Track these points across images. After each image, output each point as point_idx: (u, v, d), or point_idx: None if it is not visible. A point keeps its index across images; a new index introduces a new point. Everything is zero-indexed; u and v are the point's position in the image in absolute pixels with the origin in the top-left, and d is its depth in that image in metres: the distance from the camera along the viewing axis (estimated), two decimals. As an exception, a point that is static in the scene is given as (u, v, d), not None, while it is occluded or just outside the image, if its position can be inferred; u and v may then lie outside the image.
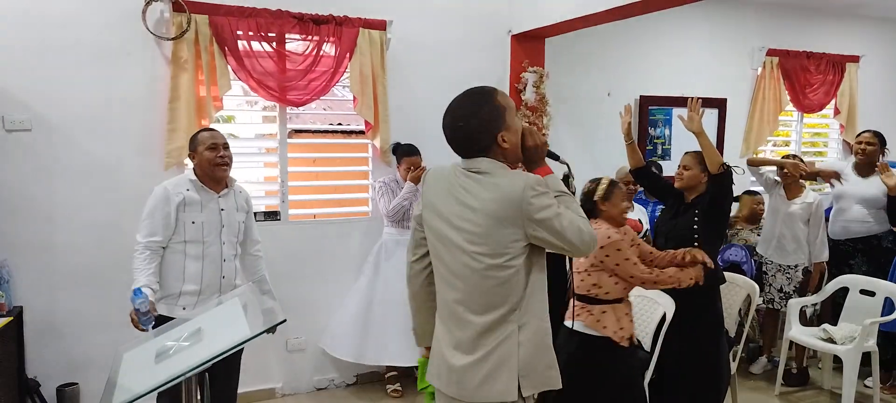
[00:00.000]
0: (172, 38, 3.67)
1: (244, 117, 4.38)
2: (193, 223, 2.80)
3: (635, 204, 4.36)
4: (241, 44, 3.83)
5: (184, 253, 2.81)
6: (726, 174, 3.24)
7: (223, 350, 1.68)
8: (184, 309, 2.76)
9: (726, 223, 3.84)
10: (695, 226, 3.25)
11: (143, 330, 2.56)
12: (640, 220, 4.22)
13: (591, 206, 2.91)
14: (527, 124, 1.95)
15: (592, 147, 5.14)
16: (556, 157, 2.11)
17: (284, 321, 1.88)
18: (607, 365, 2.85)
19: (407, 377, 4.29)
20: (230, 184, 2.94)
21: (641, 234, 4.18)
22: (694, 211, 3.29)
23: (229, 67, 3.81)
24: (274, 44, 3.91)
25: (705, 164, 3.32)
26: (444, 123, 1.91)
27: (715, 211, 3.30)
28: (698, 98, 3.44)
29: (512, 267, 1.81)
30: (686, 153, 3.41)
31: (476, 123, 1.84)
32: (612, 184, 2.94)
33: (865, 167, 4.40)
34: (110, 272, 3.68)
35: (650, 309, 3.50)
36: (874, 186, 4.30)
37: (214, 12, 3.73)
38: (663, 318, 3.29)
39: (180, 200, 2.83)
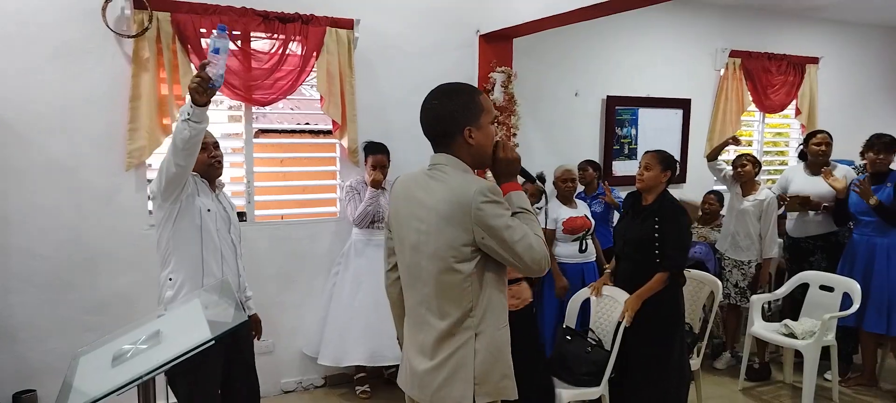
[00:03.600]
0: (133, 36, 3.59)
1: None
2: (209, 211, 2.67)
3: (578, 201, 4.40)
4: (205, 42, 3.77)
5: (201, 244, 2.62)
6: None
7: (181, 353, 1.64)
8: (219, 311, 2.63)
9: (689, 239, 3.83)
10: (656, 235, 3.28)
11: (206, 83, 2.24)
12: (586, 216, 4.26)
13: None
14: (503, 138, 1.96)
15: (560, 146, 5.18)
16: (530, 178, 2.11)
17: (245, 321, 1.85)
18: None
19: (377, 378, 4.26)
20: (220, 185, 2.87)
21: (589, 231, 4.24)
22: (654, 220, 3.31)
23: (192, 66, 3.74)
24: (239, 42, 3.86)
25: (666, 164, 3.36)
26: (423, 101, 1.91)
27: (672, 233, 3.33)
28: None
29: (460, 271, 1.80)
30: (646, 152, 3.43)
31: (449, 107, 1.85)
32: None
33: (813, 165, 4.51)
34: (69, 275, 3.60)
35: (611, 308, 3.53)
36: (825, 184, 4.40)
37: (177, 10, 3.66)
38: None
39: (194, 181, 2.68)
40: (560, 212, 4.25)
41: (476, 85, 4.62)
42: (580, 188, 4.74)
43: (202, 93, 2.27)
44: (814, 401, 3.94)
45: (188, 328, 1.75)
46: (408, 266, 1.94)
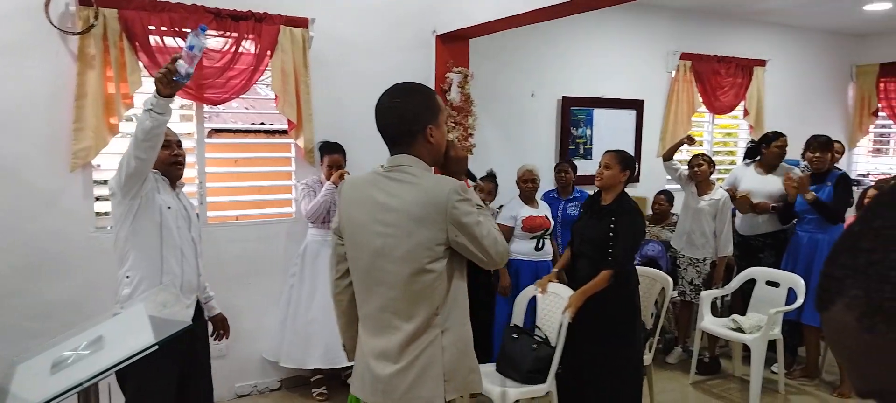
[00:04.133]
0: (78, 33, 3.48)
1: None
2: (169, 208, 2.60)
3: (541, 202, 4.45)
4: (154, 39, 3.68)
5: (160, 241, 2.54)
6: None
7: (123, 359, 1.60)
8: (165, 307, 2.54)
9: (640, 240, 3.90)
10: (610, 233, 3.33)
11: (172, 75, 2.20)
12: (546, 216, 4.31)
13: None
14: (452, 138, 2.00)
15: (517, 146, 5.23)
16: (473, 177, 2.16)
17: (203, 323, 1.81)
18: None
19: (333, 379, 4.23)
20: (180, 184, 2.80)
21: (548, 231, 4.28)
22: (611, 219, 3.36)
23: (141, 64, 3.65)
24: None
25: (625, 164, 3.41)
26: (379, 102, 1.89)
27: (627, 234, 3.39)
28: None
29: (432, 271, 1.80)
30: (606, 152, 3.49)
31: (411, 106, 1.86)
32: None
33: (769, 166, 4.65)
34: (9, 280, 3.47)
35: (557, 304, 3.57)
36: (777, 184, 4.55)
37: (124, 6, 3.57)
38: None
39: (154, 178, 2.59)
40: (520, 211, 4.29)
41: (433, 85, 4.64)
42: (549, 187, 4.81)
43: (167, 84, 2.23)
44: (761, 393, 4.07)
45: (132, 332, 1.70)
46: (366, 271, 1.90)
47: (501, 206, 4.51)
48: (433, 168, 1.95)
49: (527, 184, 4.33)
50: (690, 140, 4.96)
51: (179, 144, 2.73)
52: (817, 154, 4.30)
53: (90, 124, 3.54)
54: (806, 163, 4.57)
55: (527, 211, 4.28)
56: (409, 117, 1.85)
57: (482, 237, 1.80)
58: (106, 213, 3.86)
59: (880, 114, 7.17)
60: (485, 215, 1.87)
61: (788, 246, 4.48)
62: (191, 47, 2.20)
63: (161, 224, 2.54)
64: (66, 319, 3.53)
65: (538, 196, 4.48)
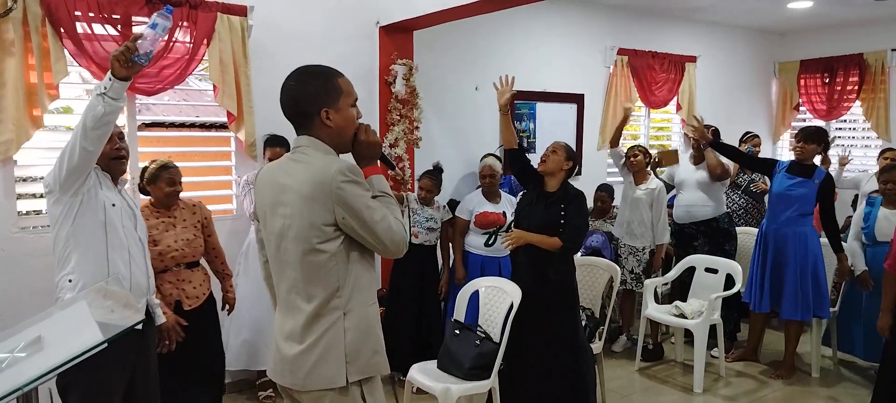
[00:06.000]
0: (-6, 17, 3.22)
1: (83, 108, 3.93)
2: (114, 205, 2.41)
3: (503, 194, 4.44)
4: (80, 26, 3.45)
5: (105, 241, 2.36)
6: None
7: (67, 360, 1.46)
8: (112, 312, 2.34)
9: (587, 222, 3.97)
10: (561, 220, 3.36)
11: (133, 57, 2.05)
12: (504, 213, 4.30)
13: (141, 186, 3.14)
14: (365, 122, 1.95)
15: (462, 140, 5.21)
16: (390, 165, 2.15)
17: (141, 322, 1.68)
18: None
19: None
20: (123, 181, 2.60)
21: (502, 228, 4.27)
22: (560, 206, 3.39)
23: (66, 51, 3.41)
24: (119, 27, 3.56)
25: (569, 154, 3.45)
26: (281, 86, 1.90)
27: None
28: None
29: (324, 251, 1.80)
30: (555, 142, 3.52)
31: (305, 90, 1.85)
32: (162, 167, 3.09)
33: (699, 156, 4.79)
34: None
35: (498, 299, 3.57)
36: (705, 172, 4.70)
37: (47, -11, 3.32)
38: (511, 308, 3.36)
39: (95, 174, 2.40)
40: (476, 205, 4.28)
41: (377, 76, 4.56)
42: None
43: (124, 64, 2.06)
44: (704, 375, 4.19)
45: (75, 331, 1.56)
46: (274, 253, 1.92)
47: (451, 200, 4.47)
48: (339, 153, 1.92)
49: (485, 180, 4.32)
50: (627, 113, 4.85)
51: (121, 137, 2.55)
52: (800, 143, 4.22)
53: (11, 116, 3.29)
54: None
55: (482, 206, 4.26)
56: (301, 100, 1.85)
57: (373, 222, 1.79)
58: (29, 213, 3.60)
59: (801, 108, 7.55)
60: (385, 202, 1.87)
61: (760, 238, 4.42)
62: (153, 26, 2.05)
63: (105, 222, 2.37)
64: (-14, 326, 3.27)
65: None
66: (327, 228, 1.79)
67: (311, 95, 1.84)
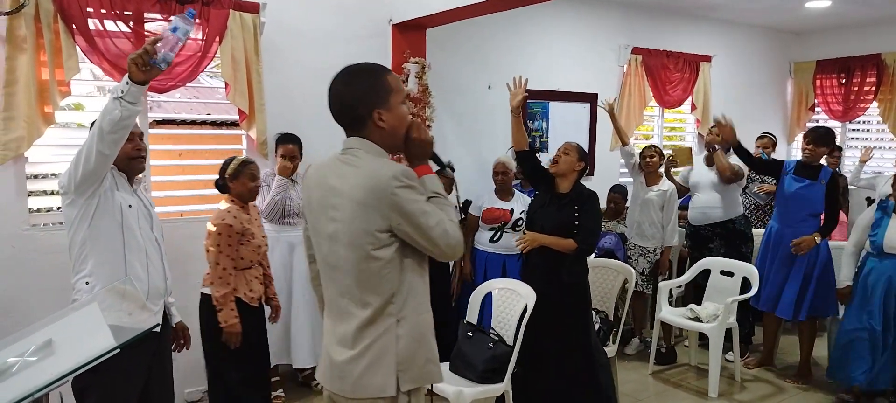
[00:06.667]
0: (6, 13, 3.20)
1: (95, 105, 3.94)
2: (130, 206, 2.37)
3: (516, 192, 4.41)
4: (92, 22, 3.42)
5: (123, 244, 2.33)
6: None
7: (79, 365, 1.43)
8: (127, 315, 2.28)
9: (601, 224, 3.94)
10: (575, 221, 3.33)
11: (151, 60, 1.99)
12: (511, 210, 4.27)
13: (222, 182, 3.12)
14: (417, 119, 1.88)
15: (474, 139, 5.16)
16: (441, 164, 2.06)
17: (157, 327, 1.64)
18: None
19: (291, 380, 4.05)
20: (138, 180, 2.57)
21: (506, 224, 4.25)
22: (574, 207, 3.35)
23: (78, 48, 3.39)
24: (131, 23, 3.53)
25: (581, 155, 3.41)
26: (329, 88, 1.82)
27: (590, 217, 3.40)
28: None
29: (379, 258, 1.74)
30: (566, 142, 3.49)
31: (354, 91, 1.78)
32: (243, 163, 3.08)
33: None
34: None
35: (512, 301, 3.52)
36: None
37: (59, -15, 3.30)
38: (525, 310, 3.31)
39: (111, 175, 2.37)
40: (485, 201, 4.30)
41: (390, 74, 4.51)
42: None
43: (141, 67, 2.01)
44: (719, 380, 4.13)
45: (87, 335, 1.52)
46: (325, 256, 1.87)
47: (466, 201, 4.46)
48: (391, 155, 1.86)
49: (497, 177, 4.34)
50: (608, 110, 4.75)
51: (141, 136, 2.51)
52: (810, 145, 4.17)
53: (22, 113, 3.27)
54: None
55: (490, 203, 4.29)
56: (352, 102, 1.78)
57: (429, 227, 1.72)
58: (40, 210, 3.59)
59: (817, 109, 7.45)
60: (439, 204, 1.80)
61: (766, 238, 4.40)
62: (174, 30, 1.99)
63: (122, 224, 2.33)
64: (-4, 324, 3.25)
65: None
66: (382, 235, 1.73)
67: (362, 96, 1.77)
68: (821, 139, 4.18)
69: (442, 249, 1.76)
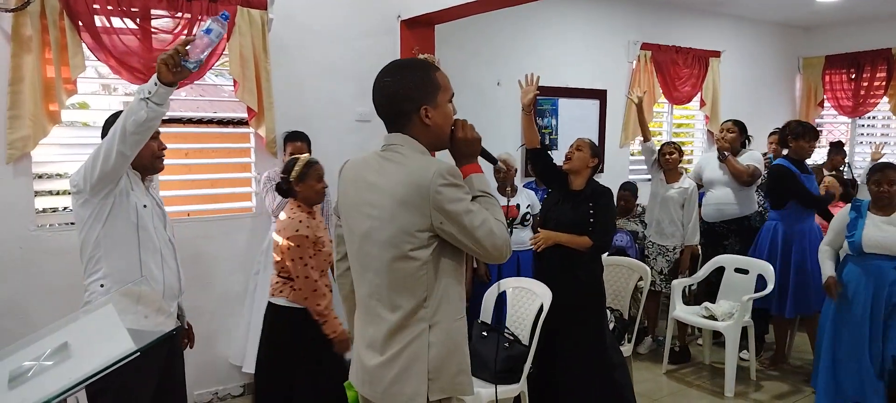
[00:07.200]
0: (12, 10, 3.14)
1: (101, 103, 3.88)
2: (145, 206, 2.32)
3: (523, 189, 4.36)
4: (99, 19, 3.37)
5: (138, 245, 2.27)
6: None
7: (98, 370, 1.37)
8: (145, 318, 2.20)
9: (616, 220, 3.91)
10: (591, 218, 3.28)
11: (183, 61, 1.95)
12: (517, 205, 4.23)
13: (286, 186, 2.94)
14: (463, 118, 1.82)
15: (484, 136, 5.07)
16: (492, 160, 1.97)
17: (175, 330, 1.58)
18: (312, 335, 2.87)
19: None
20: (150, 178, 2.52)
21: (514, 221, 4.21)
22: (588, 204, 3.30)
23: (84, 45, 3.33)
24: (138, 20, 3.47)
25: (594, 151, 3.36)
26: (375, 81, 1.76)
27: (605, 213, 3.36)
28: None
29: (416, 259, 1.67)
30: (579, 138, 3.44)
31: (402, 86, 1.72)
32: (308, 164, 2.92)
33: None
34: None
35: (528, 301, 3.47)
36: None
37: (65, -19, 3.24)
38: (540, 310, 3.26)
39: (126, 176, 2.30)
40: None
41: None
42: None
43: (172, 68, 1.96)
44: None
45: (104, 338, 1.47)
46: (356, 255, 1.81)
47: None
48: (434, 152, 1.80)
49: (498, 174, 4.29)
50: (637, 103, 4.72)
51: (158, 134, 2.45)
52: (798, 141, 4.22)
53: (28, 111, 3.21)
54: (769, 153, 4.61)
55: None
56: (399, 97, 1.71)
57: (473, 227, 1.65)
58: (46, 210, 3.53)
59: (825, 104, 7.39)
60: (485, 203, 1.73)
61: (759, 233, 4.46)
62: (207, 31, 1.95)
63: (137, 225, 2.27)
64: (3, 326, 3.20)
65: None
66: (421, 234, 1.66)
67: (410, 92, 1.71)
68: (808, 134, 4.24)
69: (487, 250, 1.69)
